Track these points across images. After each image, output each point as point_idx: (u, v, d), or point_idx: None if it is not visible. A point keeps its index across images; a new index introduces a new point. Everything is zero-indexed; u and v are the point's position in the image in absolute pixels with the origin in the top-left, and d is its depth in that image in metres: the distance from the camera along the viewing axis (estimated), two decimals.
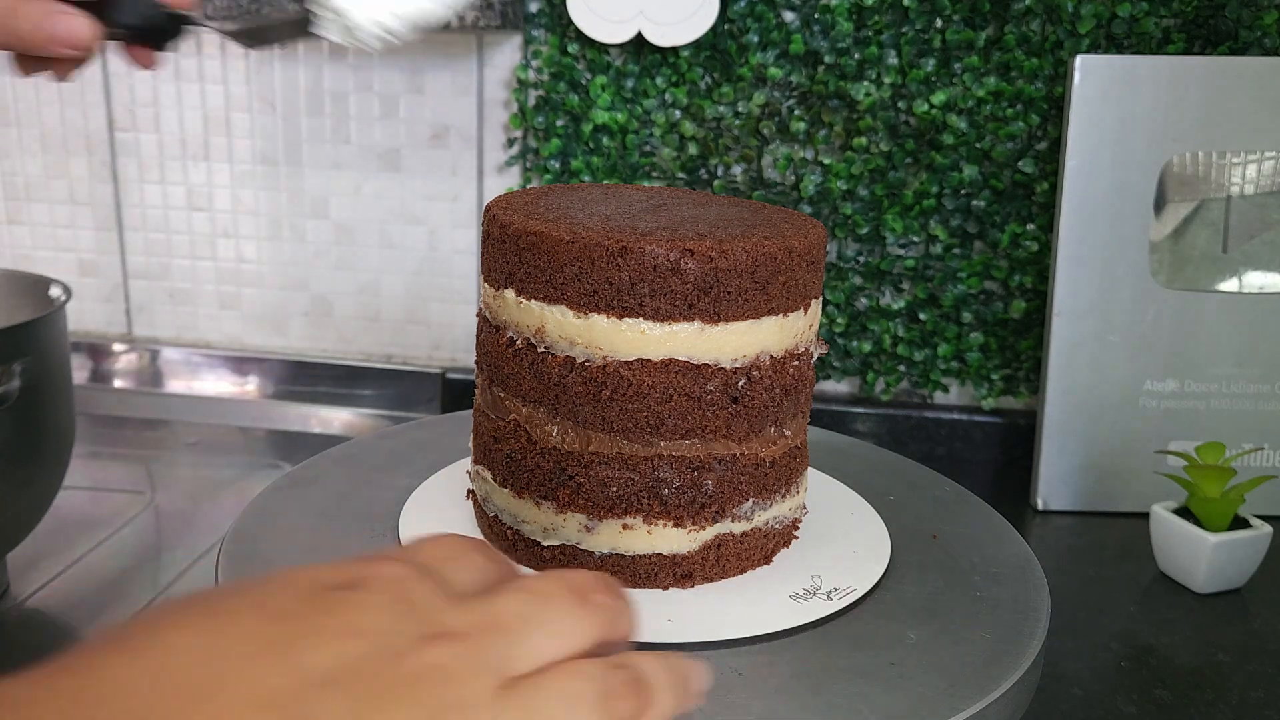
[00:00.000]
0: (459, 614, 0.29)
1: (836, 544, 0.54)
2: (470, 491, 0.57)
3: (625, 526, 0.49)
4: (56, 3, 0.51)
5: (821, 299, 0.53)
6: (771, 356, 0.49)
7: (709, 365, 0.47)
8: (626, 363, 0.47)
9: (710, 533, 0.50)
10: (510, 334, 0.50)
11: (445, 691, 0.27)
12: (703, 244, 0.46)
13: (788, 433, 0.51)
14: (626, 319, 0.46)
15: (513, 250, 0.49)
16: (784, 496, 0.53)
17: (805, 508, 0.56)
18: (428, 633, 0.28)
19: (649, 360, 0.47)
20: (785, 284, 0.48)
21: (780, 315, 0.48)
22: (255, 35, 0.54)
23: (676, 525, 0.49)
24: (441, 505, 0.57)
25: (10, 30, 0.50)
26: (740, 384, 0.48)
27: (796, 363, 0.50)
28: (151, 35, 0.52)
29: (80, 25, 0.51)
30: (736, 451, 0.49)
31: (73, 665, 0.25)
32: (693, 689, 0.32)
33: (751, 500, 0.50)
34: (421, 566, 0.30)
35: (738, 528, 0.50)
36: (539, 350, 0.48)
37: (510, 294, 0.49)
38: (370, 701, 0.26)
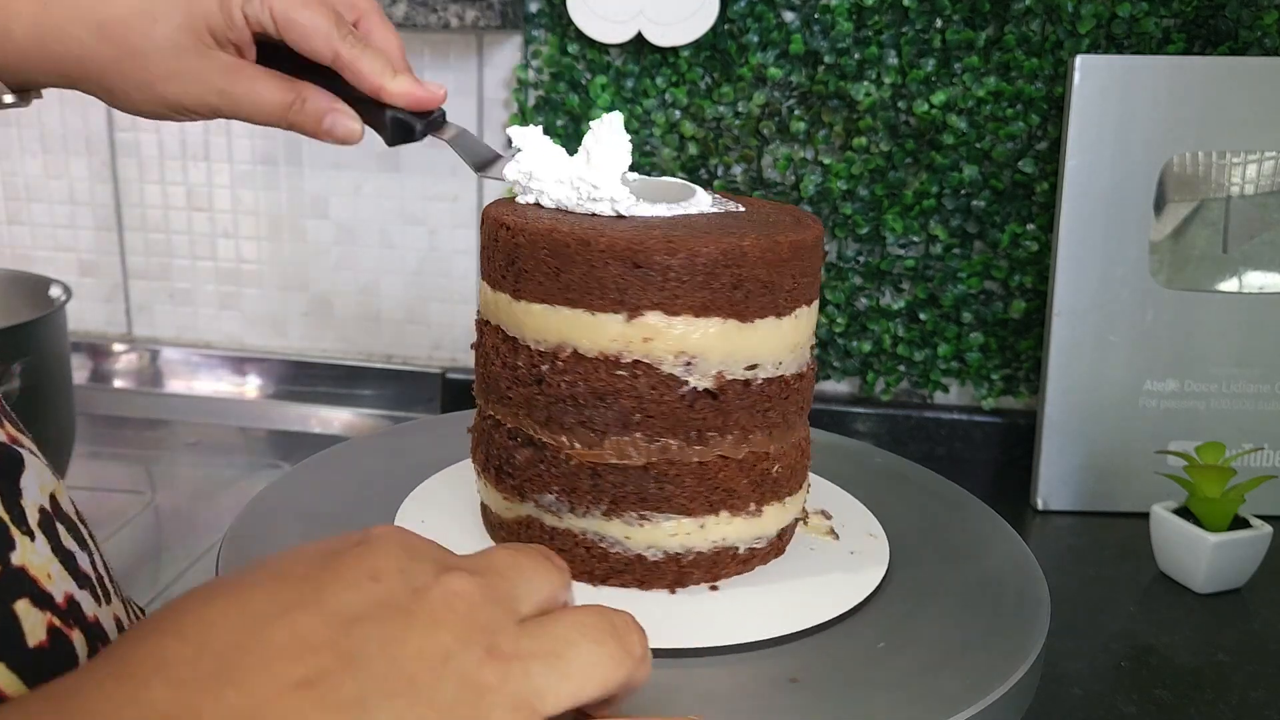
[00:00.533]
0: (461, 559, 0.32)
1: (833, 546, 0.54)
2: None
3: (476, 471, 0.54)
4: (337, 100, 0.54)
5: (689, 317, 0.46)
6: (576, 349, 0.47)
7: (515, 339, 0.49)
8: (478, 322, 0.52)
9: (521, 509, 0.50)
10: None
11: (472, 614, 0.30)
12: (512, 217, 0.48)
13: (597, 442, 0.48)
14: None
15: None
16: (613, 517, 0.48)
17: (740, 551, 0.51)
18: (441, 567, 0.30)
19: (487, 322, 0.51)
20: (584, 276, 0.46)
21: (583, 310, 0.46)
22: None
23: (493, 486, 0.52)
24: (441, 503, 0.57)
25: (290, 119, 0.54)
26: (543, 367, 0.48)
27: (621, 372, 0.47)
28: (404, 140, 0.56)
29: (354, 130, 0.54)
30: (540, 436, 0.49)
31: (117, 652, 0.27)
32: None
33: (555, 495, 0.49)
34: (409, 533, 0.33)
35: (546, 519, 0.50)
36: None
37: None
38: (406, 628, 0.28)
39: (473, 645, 0.29)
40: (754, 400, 0.48)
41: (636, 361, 0.46)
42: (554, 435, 0.48)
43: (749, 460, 0.49)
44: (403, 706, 0.27)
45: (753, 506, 0.50)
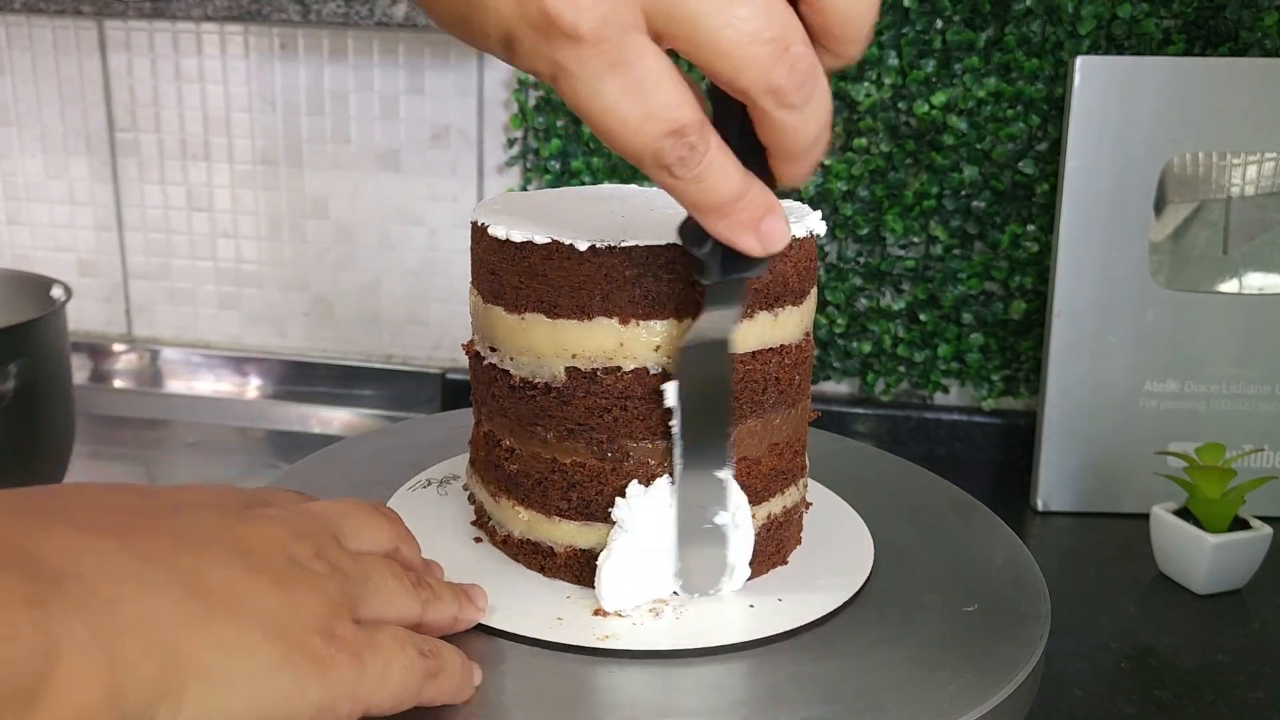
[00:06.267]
0: (279, 495, 0.40)
1: (831, 546, 0.54)
2: None
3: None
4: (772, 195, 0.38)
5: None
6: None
7: (642, 369, 0.46)
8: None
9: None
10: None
11: (295, 522, 0.37)
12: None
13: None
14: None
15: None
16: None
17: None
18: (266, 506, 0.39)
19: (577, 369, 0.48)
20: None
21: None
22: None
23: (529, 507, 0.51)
24: (433, 499, 0.57)
25: (727, 228, 0.37)
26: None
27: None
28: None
29: (786, 235, 0.38)
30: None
31: None
32: (473, 679, 0.40)
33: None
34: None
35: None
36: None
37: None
38: (239, 519, 0.35)
39: (304, 542, 0.35)
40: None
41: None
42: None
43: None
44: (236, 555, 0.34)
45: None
